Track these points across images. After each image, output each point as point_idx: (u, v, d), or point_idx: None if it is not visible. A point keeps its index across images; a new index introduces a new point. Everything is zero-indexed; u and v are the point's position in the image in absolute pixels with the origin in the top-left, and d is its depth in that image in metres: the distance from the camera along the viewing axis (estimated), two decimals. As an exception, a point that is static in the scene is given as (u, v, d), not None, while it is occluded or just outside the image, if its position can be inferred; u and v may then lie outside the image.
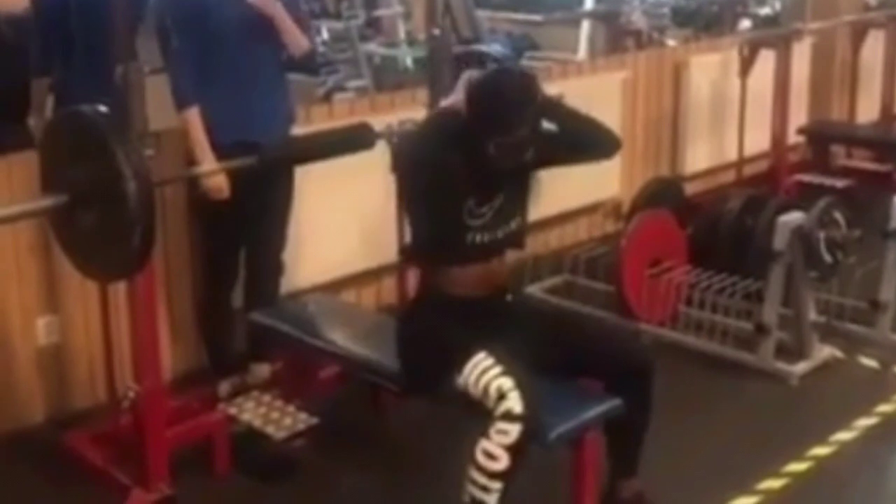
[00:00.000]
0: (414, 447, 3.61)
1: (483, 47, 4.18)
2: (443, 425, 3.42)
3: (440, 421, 3.33)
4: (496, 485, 2.71)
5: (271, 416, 3.34)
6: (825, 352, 4.19)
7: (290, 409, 3.38)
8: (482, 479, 2.71)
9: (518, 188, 3.01)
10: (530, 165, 2.95)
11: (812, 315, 4.17)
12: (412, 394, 3.14)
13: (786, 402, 3.97)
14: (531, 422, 2.69)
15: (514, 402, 2.68)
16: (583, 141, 3.02)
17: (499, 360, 2.76)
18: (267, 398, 3.44)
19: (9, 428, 3.72)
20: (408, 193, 3.09)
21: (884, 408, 3.87)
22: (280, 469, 3.39)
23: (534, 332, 2.97)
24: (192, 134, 3.48)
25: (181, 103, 3.47)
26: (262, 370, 3.80)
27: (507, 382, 2.71)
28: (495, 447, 2.68)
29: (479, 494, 2.73)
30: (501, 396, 2.69)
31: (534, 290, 4.84)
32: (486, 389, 2.73)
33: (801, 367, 4.09)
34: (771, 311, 4.11)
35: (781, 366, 4.10)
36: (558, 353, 2.92)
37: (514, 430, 2.67)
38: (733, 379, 4.10)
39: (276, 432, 3.27)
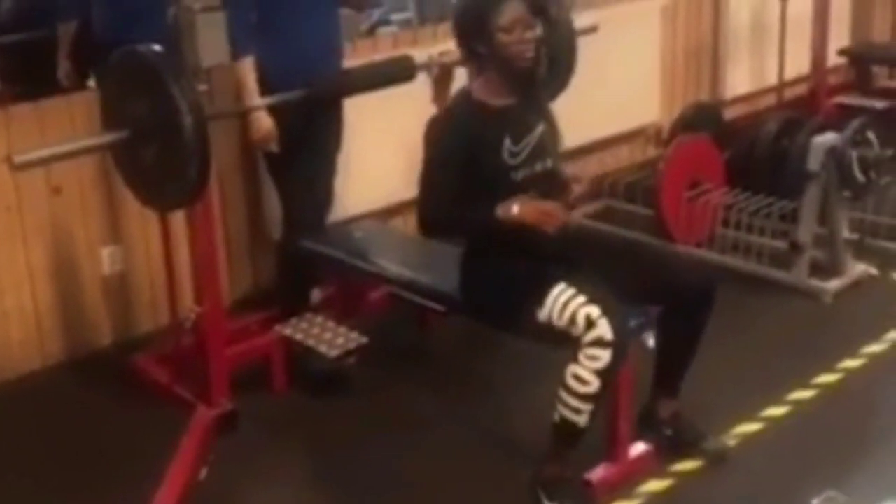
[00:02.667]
0: (458, 363, 3.77)
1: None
2: (485, 343, 3.60)
3: (482, 339, 3.49)
4: (587, 406, 2.78)
5: (324, 335, 3.46)
6: (858, 269, 4.27)
7: (342, 329, 3.49)
8: (574, 402, 2.79)
9: (549, 127, 3.08)
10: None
11: (846, 233, 4.24)
12: (499, 330, 3.16)
13: (819, 319, 4.06)
14: (620, 346, 2.75)
15: (604, 330, 2.73)
16: None
17: (580, 290, 2.81)
18: (319, 319, 3.57)
19: (79, 352, 3.95)
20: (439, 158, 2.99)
21: (915, 322, 3.93)
22: (333, 385, 3.57)
23: (595, 258, 3.01)
24: (244, 83, 3.52)
25: (236, 53, 3.49)
26: (315, 294, 3.98)
27: (594, 310, 2.75)
28: (586, 372, 2.74)
29: (570, 415, 2.81)
30: (590, 324, 2.74)
31: (575, 215, 4.95)
32: (572, 319, 2.77)
33: (834, 284, 4.18)
34: (806, 231, 4.19)
35: (815, 283, 4.19)
36: (621, 280, 2.92)
37: (604, 356, 2.73)
38: (768, 297, 4.19)
39: (328, 350, 3.39)
